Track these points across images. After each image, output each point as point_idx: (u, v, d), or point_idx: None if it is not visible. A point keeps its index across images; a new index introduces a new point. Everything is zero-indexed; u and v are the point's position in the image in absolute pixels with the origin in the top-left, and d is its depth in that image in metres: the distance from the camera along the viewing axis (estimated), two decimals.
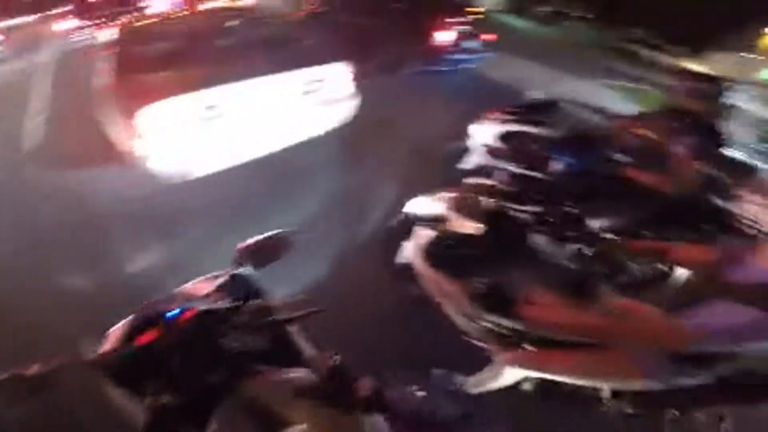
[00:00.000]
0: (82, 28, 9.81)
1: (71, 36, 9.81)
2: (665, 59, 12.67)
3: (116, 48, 3.03)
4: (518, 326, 1.35)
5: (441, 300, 1.68)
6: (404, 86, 5.68)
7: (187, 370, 0.82)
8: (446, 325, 1.68)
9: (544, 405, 1.54)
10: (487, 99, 2.99)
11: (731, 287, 0.94)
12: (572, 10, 18.58)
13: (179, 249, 2.46)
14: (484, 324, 1.53)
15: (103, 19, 8.82)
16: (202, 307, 0.89)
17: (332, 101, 3.10)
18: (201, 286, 1.08)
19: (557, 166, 2.42)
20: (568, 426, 1.62)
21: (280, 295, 1.08)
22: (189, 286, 1.11)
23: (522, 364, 1.46)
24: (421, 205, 1.76)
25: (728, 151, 2.22)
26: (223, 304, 0.93)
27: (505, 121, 2.68)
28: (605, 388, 1.35)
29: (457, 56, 5.94)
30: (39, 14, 11.96)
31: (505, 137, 2.65)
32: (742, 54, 13.05)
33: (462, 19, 5.88)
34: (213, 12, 4.23)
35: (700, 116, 2.10)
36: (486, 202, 1.50)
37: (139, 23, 3.69)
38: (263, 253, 1.14)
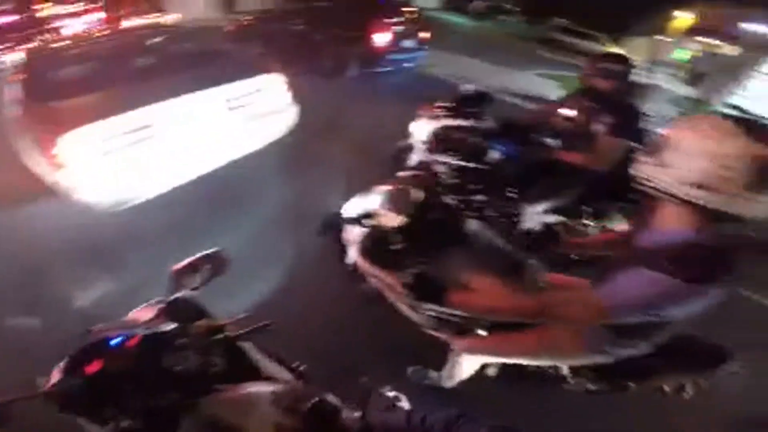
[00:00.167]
0: None
1: None
2: (588, 46, 13.60)
3: (24, 74, 2.78)
4: (462, 313, 1.37)
5: (388, 295, 1.69)
6: (346, 90, 5.67)
7: (139, 394, 0.84)
8: (403, 319, 1.70)
9: (512, 388, 1.58)
10: (428, 97, 3.04)
11: (640, 254, 0.98)
12: (505, 3, 19.50)
13: (126, 278, 2.35)
14: (429, 314, 1.55)
15: (11, 43, 8.04)
16: (146, 332, 0.91)
17: (268, 113, 3.03)
18: (143, 313, 1.09)
19: (494, 155, 2.52)
20: (539, 406, 1.67)
21: (232, 313, 1.07)
22: (131, 315, 1.12)
23: (477, 351, 1.50)
24: (356, 205, 1.77)
25: (648, 126, 2.38)
26: (165, 327, 0.94)
27: (439, 117, 2.76)
28: (563, 366, 1.39)
29: (396, 56, 6.00)
30: None
31: (441, 132, 2.72)
32: (657, 37, 14.28)
33: (399, 19, 5.92)
34: (133, 30, 3.98)
35: (612, 95, 2.24)
36: (415, 193, 1.52)
37: (50, 46, 3.41)
38: (199, 273, 1.13)
